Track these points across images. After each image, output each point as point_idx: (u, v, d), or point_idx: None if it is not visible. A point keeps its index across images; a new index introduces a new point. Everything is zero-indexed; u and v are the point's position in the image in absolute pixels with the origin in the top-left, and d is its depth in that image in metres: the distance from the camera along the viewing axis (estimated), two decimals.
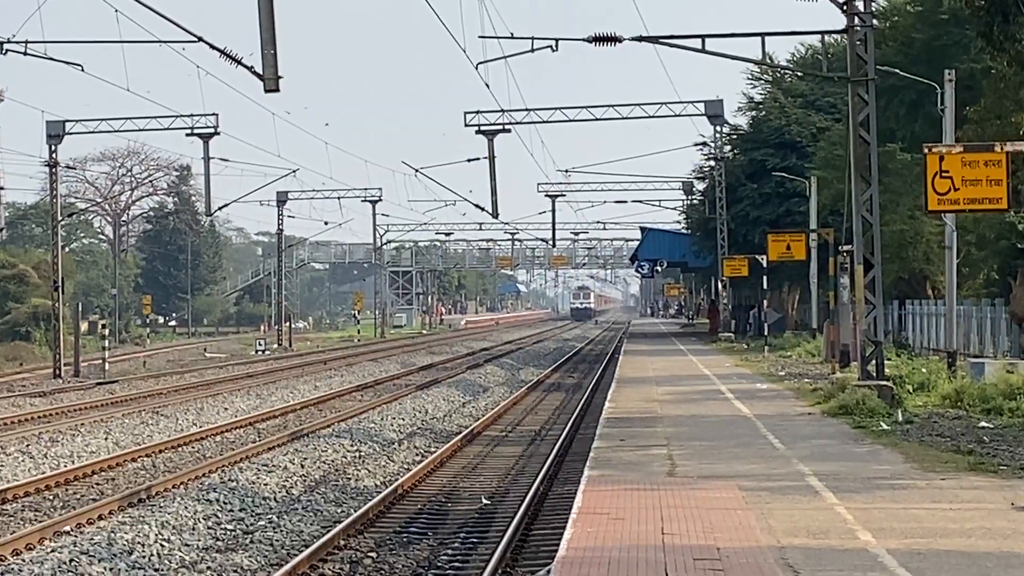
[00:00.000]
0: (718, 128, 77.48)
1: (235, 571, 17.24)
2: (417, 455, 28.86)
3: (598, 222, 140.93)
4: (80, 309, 67.79)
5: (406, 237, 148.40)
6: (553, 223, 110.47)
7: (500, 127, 67.17)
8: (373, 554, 18.45)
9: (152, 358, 78.00)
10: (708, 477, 19.93)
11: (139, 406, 42.49)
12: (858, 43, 32.34)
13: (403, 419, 36.01)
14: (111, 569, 16.83)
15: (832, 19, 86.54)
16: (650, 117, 68.95)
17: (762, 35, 35.14)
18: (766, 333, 61.63)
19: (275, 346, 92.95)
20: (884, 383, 31.19)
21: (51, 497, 24.30)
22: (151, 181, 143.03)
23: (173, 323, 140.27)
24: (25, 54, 46.82)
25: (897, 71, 43.80)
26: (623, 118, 68.44)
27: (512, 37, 40.97)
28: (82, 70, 48.56)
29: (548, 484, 24.19)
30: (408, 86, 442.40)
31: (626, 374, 46.14)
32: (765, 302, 66.55)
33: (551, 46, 38.92)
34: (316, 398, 44.57)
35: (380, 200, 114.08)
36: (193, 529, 19.65)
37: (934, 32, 50.27)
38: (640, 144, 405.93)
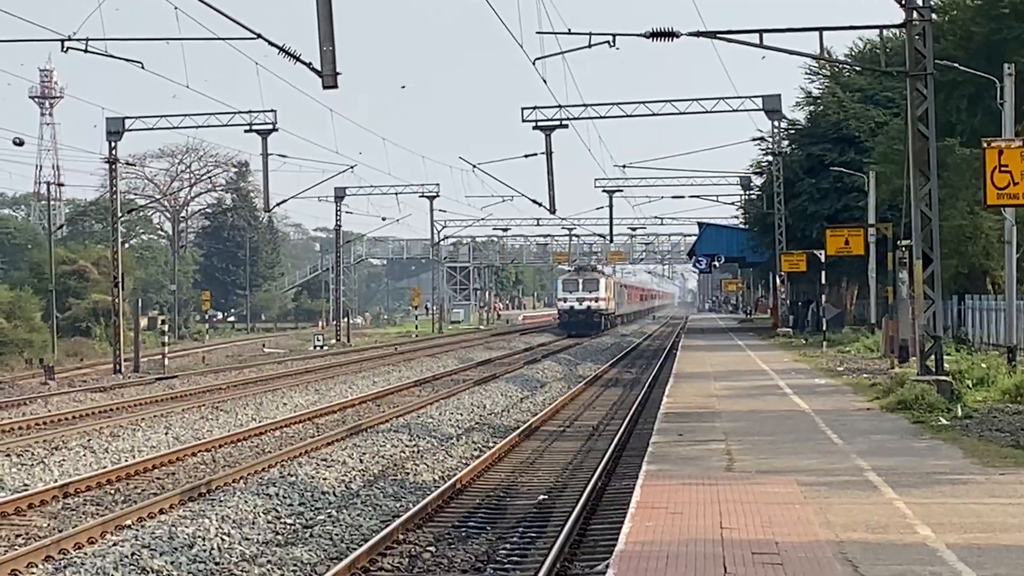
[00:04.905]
0: (776, 123, 77.16)
1: (295, 565, 17.33)
2: (475, 450, 28.92)
3: (655, 217, 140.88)
4: (140, 305, 68.38)
5: (463, 233, 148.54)
6: (610, 218, 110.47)
7: (557, 122, 67.20)
8: (432, 548, 18.51)
9: (211, 353, 78.43)
10: (766, 472, 19.91)
11: (198, 401, 42.74)
12: (917, 37, 32.20)
13: (461, 414, 36.08)
14: (172, 562, 16.97)
15: (890, 13, 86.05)
16: (707, 112, 68.71)
17: (820, 29, 35.06)
18: (824, 328, 61.43)
19: (333, 341, 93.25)
20: (943, 378, 31.08)
21: (112, 491, 24.50)
22: (210, 177, 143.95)
23: (232, 319, 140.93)
24: (86, 51, 47.12)
25: (956, 65, 43.53)
26: (680, 113, 68.20)
27: (570, 33, 41.20)
28: (142, 67, 48.86)
29: (606, 479, 24.23)
30: (465, 82, 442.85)
31: (684, 369, 46.05)
32: (823, 297, 66.27)
33: (608, 41, 38.93)
34: (374, 393, 44.70)
35: (437, 196, 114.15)
36: (253, 523, 19.79)
37: (993, 26, 49.87)
38: (697, 139, 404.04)
